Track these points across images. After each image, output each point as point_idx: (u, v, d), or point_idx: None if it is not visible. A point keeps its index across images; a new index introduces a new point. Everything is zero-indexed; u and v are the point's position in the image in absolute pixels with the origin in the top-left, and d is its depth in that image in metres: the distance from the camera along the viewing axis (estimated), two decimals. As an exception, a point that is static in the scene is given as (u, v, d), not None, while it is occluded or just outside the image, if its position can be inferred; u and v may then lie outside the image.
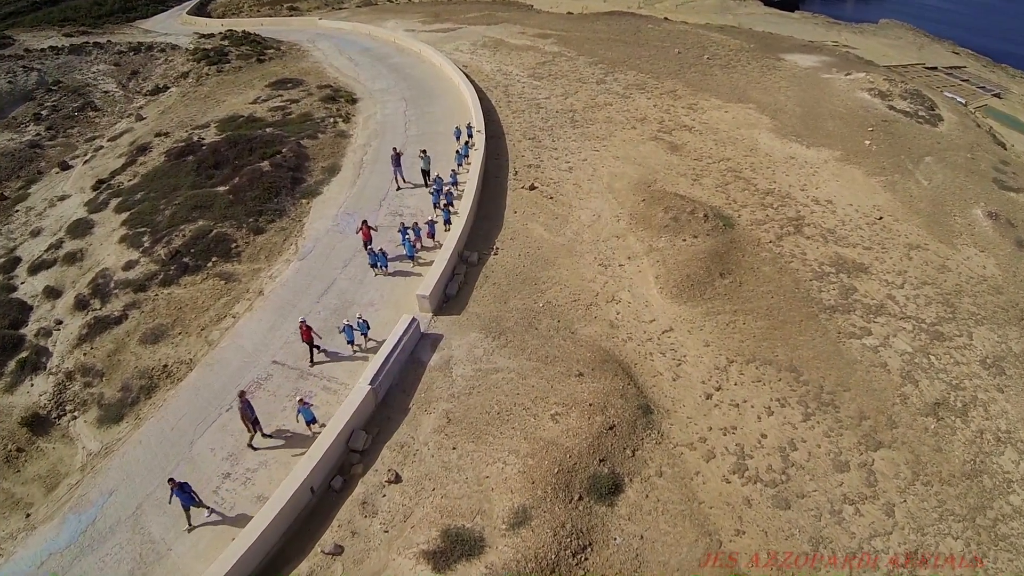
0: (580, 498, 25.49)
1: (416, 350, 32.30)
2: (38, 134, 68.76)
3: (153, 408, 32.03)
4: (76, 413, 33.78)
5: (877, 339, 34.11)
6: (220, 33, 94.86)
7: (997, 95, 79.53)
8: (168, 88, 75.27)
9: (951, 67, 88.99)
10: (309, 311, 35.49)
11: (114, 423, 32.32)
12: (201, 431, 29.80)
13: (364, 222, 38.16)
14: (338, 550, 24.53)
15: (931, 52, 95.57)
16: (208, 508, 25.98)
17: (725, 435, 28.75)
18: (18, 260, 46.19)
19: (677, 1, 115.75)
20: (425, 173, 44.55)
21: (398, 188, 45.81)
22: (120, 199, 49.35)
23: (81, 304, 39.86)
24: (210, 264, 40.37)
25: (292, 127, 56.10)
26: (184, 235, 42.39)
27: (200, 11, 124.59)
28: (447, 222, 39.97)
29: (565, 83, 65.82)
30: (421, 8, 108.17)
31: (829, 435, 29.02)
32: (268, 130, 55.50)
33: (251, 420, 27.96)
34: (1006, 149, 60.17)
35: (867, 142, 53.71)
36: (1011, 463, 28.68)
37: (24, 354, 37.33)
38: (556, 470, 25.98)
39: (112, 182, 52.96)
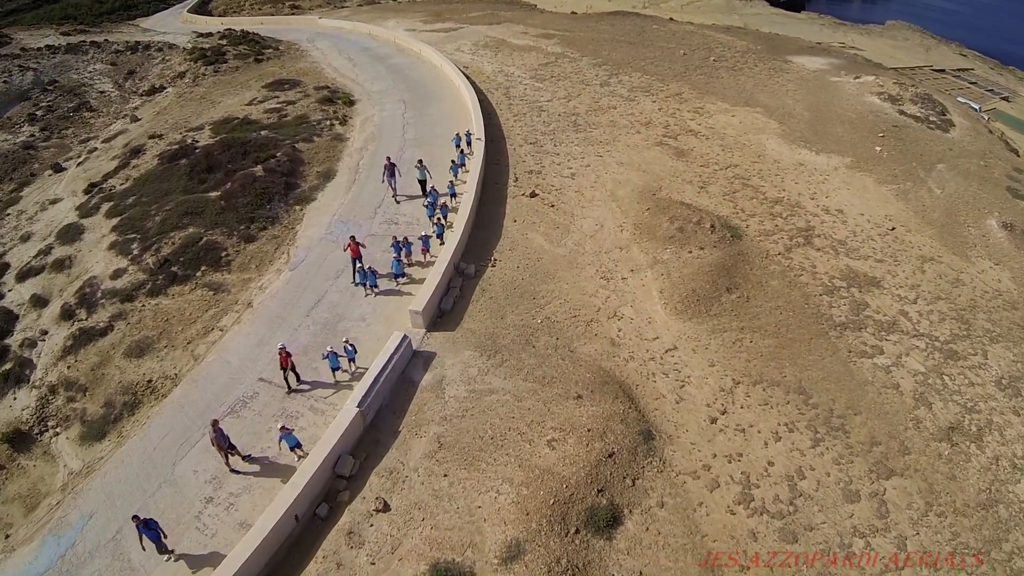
0: (577, 531, 24.22)
1: (408, 369, 30.99)
2: (32, 135, 67.61)
3: (136, 425, 30.91)
4: (58, 429, 32.69)
5: (889, 358, 32.73)
6: (219, 32, 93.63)
7: (1006, 98, 77.97)
8: (164, 88, 73.99)
9: (959, 69, 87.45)
10: (299, 325, 34.34)
11: (96, 440, 31.23)
12: (184, 452, 28.62)
13: (352, 238, 36.45)
14: (322, 584, 23.11)
15: (938, 54, 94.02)
16: (169, 552, 24.52)
17: (730, 462, 27.39)
18: (6, 266, 45.16)
19: (682, 1, 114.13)
20: (422, 183, 42.89)
21: (395, 199, 44.16)
22: (111, 203, 48.19)
23: (67, 314, 38.77)
24: (199, 274, 39.16)
25: (288, 130, 54.81)
26: (173, 243, 41.18)
27: (201, 9, 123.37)
28: (440, 236, 38.39)
29: (568, 85, 64.34)
30: (423, 7, 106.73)
31: (839, 462, 27.68)
32: (263, 133, 54.21)
33: (225, 448, 26.69)
34: (1019, 156, 58.50)
35: (878, 148, 52.27)
36: (1028, 492, 27.25)
37: (8, 366, 36.33)
38: (552, 501, 24.71)
39: (104, 185, 51.77)
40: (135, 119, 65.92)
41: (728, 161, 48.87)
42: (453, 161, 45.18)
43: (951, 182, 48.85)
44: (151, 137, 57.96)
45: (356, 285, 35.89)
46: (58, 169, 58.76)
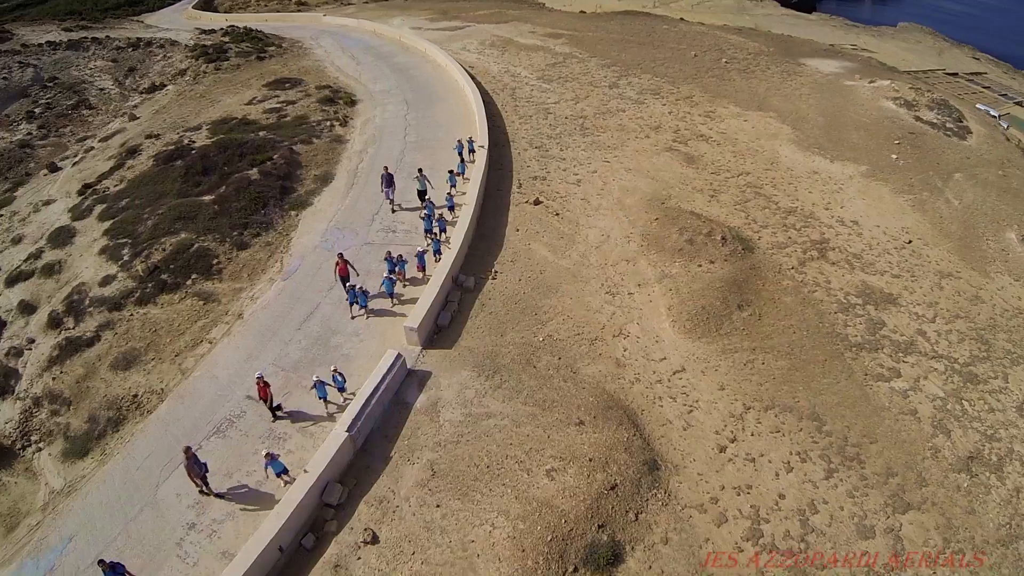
0: (575, 569, 22.85)
1: (401, 389, 29.52)
2: (29, 133, 66.41)
3: (120, 443, 29.71)
4: (41, 444, 31.60)
5: (907, 382, 31.26)
6: (221, 29, 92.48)
7: (1020, 103, 76.00)
8: (165, 86, 72.73)
9: (972, 73, 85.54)
10: (289, 339, 32.96)
11: (79, 458, 30.05)
12: (167, 473, 27.34)
13: (340, 256, 34.61)
14: (306, 622, 21.71)
15: (951, 57, 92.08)
16: None
17: (739, 495, 25.92)
18: None
19: (693, 1, 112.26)
20: (421, 194, 41.07)
21: (392, 210, 42.27)
22: (104, 206, 46.94)
23: (55, 322, 37.59)
24: (189, 282, 37.84)
25: (286, 131, 53.40)
26: (164, 249, 39.86)
27: (207, 5, 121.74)
28: (437, 252, 36.60)
29: (576, 87, 62.77)
30: (429, 5, 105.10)
31: (853, 495, 26.27)
32: (261, 134, 52.84)
33: (199, 476, 25.29)
34: (1039, 164, 56.78)
35: (894, 156, 50.63)
36: (1052, 528, 25.77)
37: (-7, 376, 34.78)
38: (549, 537, 23.28)
39: (98, 187, 50.50)
40: (133, 118, 64.63)
41: (740, 168, 47.27)
42: (451, 171, 42.64)
43: (969, 192, 47.23)
44: (148, 137, 56.65)
45: (351, 304, 34.10)
46: (54, 169, 57.48)
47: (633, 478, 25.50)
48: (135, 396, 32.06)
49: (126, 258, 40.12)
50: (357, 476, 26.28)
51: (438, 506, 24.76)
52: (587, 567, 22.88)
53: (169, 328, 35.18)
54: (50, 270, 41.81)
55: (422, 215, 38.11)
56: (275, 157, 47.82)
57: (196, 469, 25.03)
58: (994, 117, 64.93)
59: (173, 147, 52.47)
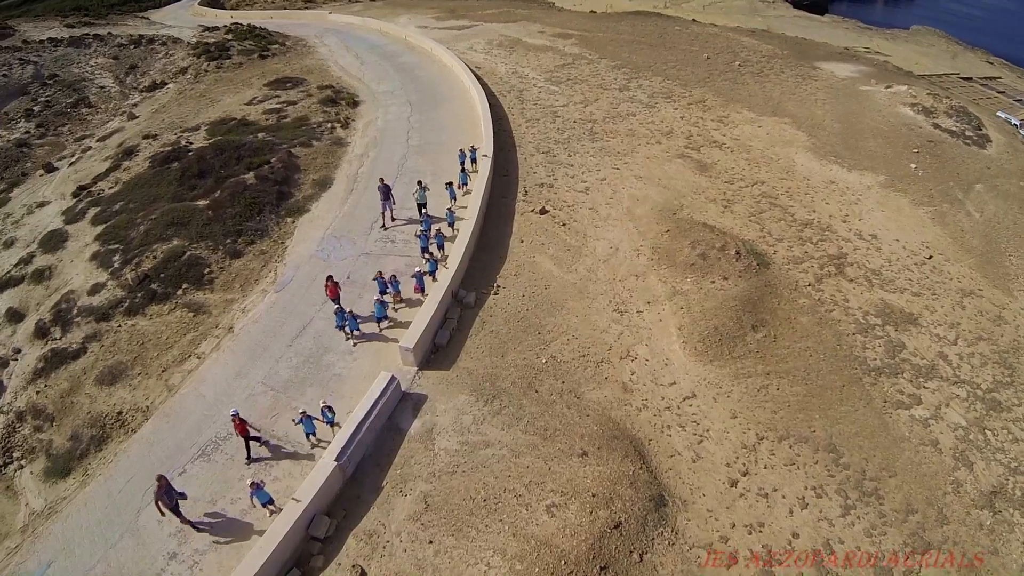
0: (576, 616, 21.14)
1: (395, 414, 27.93)
2: (27, 132, 65.11)
3: (102, 463, 28.35)
4: (23, 462, 30.35)
5: (927, 409, 29.66)
6: (225, 26, 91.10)
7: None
8: (166, 84, 71.40)
9: (986, 78, 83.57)
10: (280, 356, 31.48)
11: (60, 478, 28.76)
12: (150, 498, 25.38)
13: (329, 278, 32.56)
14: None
15: (965, 61, 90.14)
16: None
17: (750, 534, 24.31)
18: None
19: (704, 1, 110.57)
20: (421, 207, 38.89)
21: (383, 226, 40.09)
22: (98, 209, 45.70)
23: (41, 332, 36.38)
24: (180, 292, 36.44)
25: (286, 132, 51.90)
26: (155, 256, 38.49)
27: (213, 2, 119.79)
28: (433, 273, 34.19)
29: (585, 89, 61.11)
30: (437, 3, 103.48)
31: (871, 534, 24.71)
32: (260, 135, 51.36)
33: (170, 507, 23.78)
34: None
35: (912, 166, 48.90)
36: (1081, 571, 24.17)
37: (-23, 389, 33.56)
38: (548, 580, 21.59)
39: (93, 188, 49.27)
40: (133, 117, 63.33)
41: (754, 177, 45.54)
42: (450, 183, 40.35)
43: (990, 204, 45.48)
44: (145, 137, 55.33)
45: (339, 328, 32.29)
46: (50, 169, 56.27)
47: (638, 515, 23.90)
48: (119, 413, 30.74)
49: (116, 265, 38.85)
50: (346, 507, 24.80)
51: (431, 542, 23.23)
52: (588, 614, 21.31)
53: (157, 341, 33.80)
54: (40, 276, 40.63)
55: (418, 233, 36.07)
56: (273, 161, 46.36)
57: (167, 499, 23.55)
58: (1014, 125, 62.94)
59: (170, 148, 51.14)
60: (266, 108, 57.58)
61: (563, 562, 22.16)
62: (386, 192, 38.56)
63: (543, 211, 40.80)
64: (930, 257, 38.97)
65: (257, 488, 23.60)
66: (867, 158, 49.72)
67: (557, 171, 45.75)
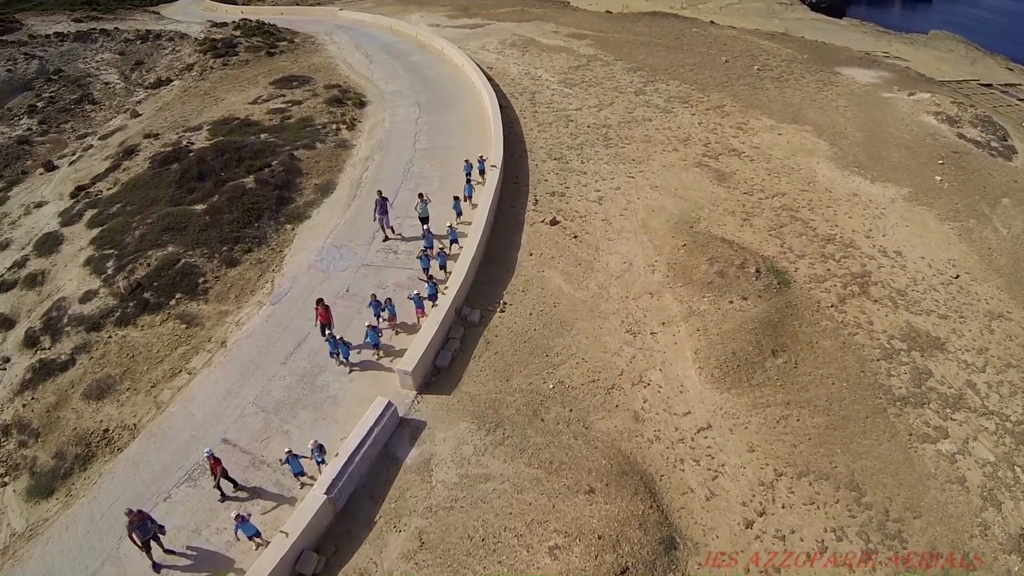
0: (579, 673, 19.50)
1: (391, 441, 26.28)
2: (29, 128, 64.02)
3: (86, 484, 26.98)
4: (7, 479, 29.03)
5: (954, 443, 27.83)
6: (233, 22, 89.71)
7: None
8: (171, 81, 70.07)
9: (1006, 84, 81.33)
10: (273, 374, 29.95)
11: (43, 498, 27.46)
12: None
13: (319, 301, 30.43)
14: None
15: (984, 67, 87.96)
16: None
17: (767, 581, 22.52)
18: None
19: (721, 3, 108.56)
20: (423, 221, 36.81)
21: (385, 239, 38.16)
22: (95, 211, 44.45)
23: (31, 341, 35.14)
24: (173, 302, 35.03)
25: (289, 133, 50.36)
26: (149, 264, 37.09)
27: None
28: (432, 298, 31.48)
29: (600, 92, 59.33)
30: (450, 1, 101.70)
31: (895, 582, 22.80)
32: (262, 136, 49.86)
33: (142, 543, 22.24)
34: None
35: (937, 178, 46.94)
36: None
37: (-36, 399, 32.39)
38: (549, 632, 19.97)
39: (92, 189, 48.01)
40: (136, 115, 62.00)
41: (775, 188, 43.65)
42: (456, 197, 38.25)
43: (1018, 220, 43.50)
44: (147, 136, 53.99)
45: (331, 356, 30.41)
46: (50, 168, 55.09)
47: (647, 559, 22.19)
48: (106, 431, 29.38)
49: (110, 272, 37.57)
50: (336, 543, 23.25)
51: (425, 585, 21.58)
52: (593, 671, 19.67)
53: (147, 354, 32.42)
54: (33, 281, 39.42)
55: (419, 254, 33.91)
56: (274, 164, 44.85)
57: (140, 534, 22.06)
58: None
59: (171, 148, 49.74)
60: (270, 108, 56.11)
61: (566, 612, 20.53)
62: (383, 205, 36.59)
63: (554, 222, 39.09)
64: (957, 276, 37.12)
65: (242, 520, 22.12)
66: (891, 169, 47.79)
67: (569, 179, 44.01)
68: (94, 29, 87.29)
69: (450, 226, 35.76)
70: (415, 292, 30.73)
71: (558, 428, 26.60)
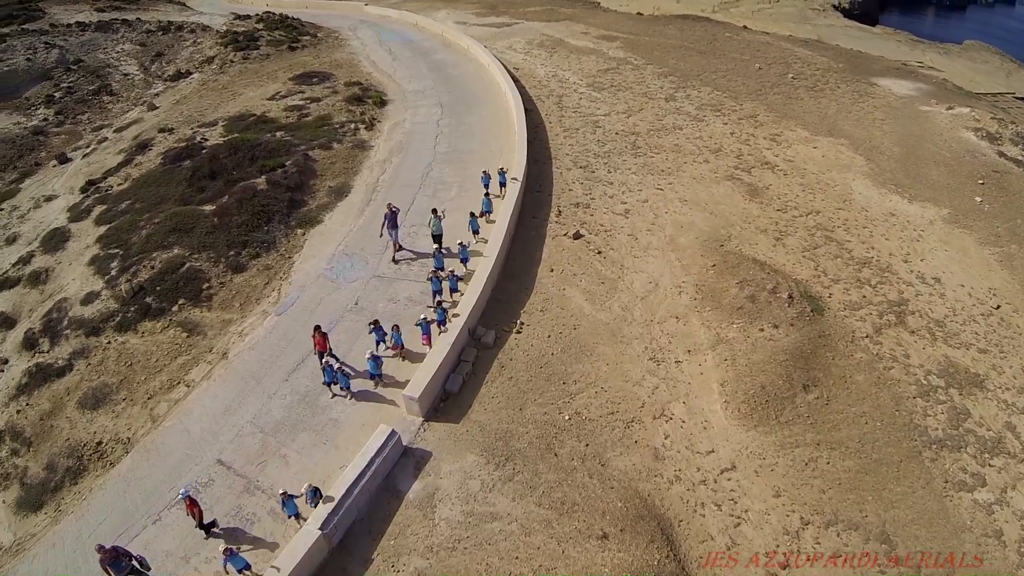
0: None
1: (394, 472, 24.63)
2: (46, 119, 63.10)
3: (76, 500, 25.98)
4: (-3, 489, 27.78)
5: (992, 492, 25.70)
6: (257, 15, 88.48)
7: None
8: (190, 74, 68.91)
9: (1043, 98, 78.66)
10: (274, 392, 28.50)
11: (32, 511, 26.59)
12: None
13: (317, 328, 28.33)
14: None
15: (1020, 79, 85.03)
16: None
17: (791, 646, 20.71)
18: None
19: (753, 7, 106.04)
20: (436, 238, 34.57)
21: (394, 259, 35.78)
22: (104, 207, 43.41)
23: (30, 343, 34.15)
24: (175, 308, 33.74)
25: (305, 132, 48.87)
26: (153, 266, 35.82)
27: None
28: (441, 323, 29.25)
29: (629, 97, 57.40)
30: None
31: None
32: (278, 134, 48.43)
33: None
34: None
35: (978, 199, 44.63)
36: None
37: (-40, 401, 31.47)
38: None
39: (102, 184, 46.92)
40: (153, 107, 60.92)
41: (809, 206, 41.56)
42: (473, 214, 35.91)
43: (1062, 246, 41.18)
44: (161, 131, 52.72)
45: (326, 384, 28.40)
46: (63, 160, 54.10)
47: (663, 617, 20.44)
48: (99, 444, 28.28)
49: (113, 273, 36.45)
50: (329, 582, 21.58)
51: (421, 634, 19.96)
52: None
53: (146, 363, 31.17)
54: (36, 279, 38.49)
55: (429, 275, 31.57)
56: (288, 164, 43.36)
57: (112, 571, 20.82)
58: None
59: (184, 144, 48.44)
60: (288, 104, 54.70)
61: (573, 674, 18.82)
62: (392, 219, 34.57)
63: (577, 236, 37.30)
64: (998, 307, 34.96)
65: (231, 554, 20.76)
66: (929, 188, 45.54)
67: (595, 189, 42.22)
68: (116, 19, 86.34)
69: (461, 244, 33.53)
70: (423, 317, 28.65)
71: (572, 464, 24.84)
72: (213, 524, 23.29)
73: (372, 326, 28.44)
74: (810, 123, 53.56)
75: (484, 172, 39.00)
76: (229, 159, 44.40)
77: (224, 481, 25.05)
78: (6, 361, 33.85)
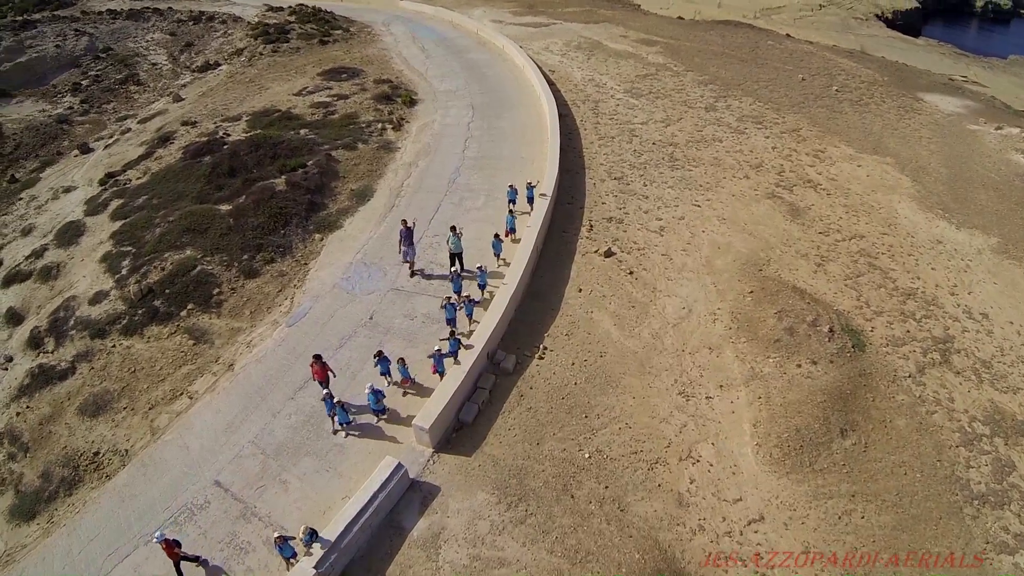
0: None
1: (398, 506, 22.99)
2: (71, 107, 62.45)
3: (69, 512, 24.96)
4: (-8, 494, 26.85)
5: (1034, 554, 23.62)
6: (290, 7, 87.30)
7: None
8: (219, 66, 67.98)
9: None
10: (279, 410, 27.05)
11: (25, 521, 25.61)
12: (111, 565, 22.28)
13: (317, 358, 26.08)
14: None
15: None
16: None
17: None
18: None
19: (795, 14, 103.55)
20: (455, 257, 32.60)
21: (412, 274, 33.74)
22: (121, 202, 42.57)
23: (35, 341, 33.17)
24: (184, 313, 32.53)
25: (330, 131, 47.48)
26: (164, 268, 34.66)
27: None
28: (454, 354, 27.09)
29: (668, 105, 55.46)
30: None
31: None
32: (301, 133, 47.10)
33: None
34: None
35: (1029, 227, 42.34)
36: None
37: (-39, 397, 30.67)
38: None
39: (121, 177, 46.10)
40: (178, 99, 59.98)
41: (853, 229, 39.40)
42: (497, 235, 33.45)
43: (1119, 284, 38.77)
44: (184, 124, 51.75)
45: (330, 416, 26.18)
46: (85, 150, 53.35)
47: None
48: (96, 454, 27.18)
49: (124, 272, 35.42)
50: (322, 626, 20.08)
51: None
52: None
53: (150, 371, 30.00)
54: (47, 274, 37.70)
55: (443, 303, 28.86)
56: (309, 164, 41.98)
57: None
58: None
59: (206, 139, 47.43)
60: (315, 101, 53.42)
61: None
62: (408, 237, 32.54)
63: (609, 253, 35.45)
64: (1050, 347, 32.81)
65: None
66: (977, 214, 43.25)
67: (629, 203, 40.35)
68: (148, 8, 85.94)
69: (480, 268, 31.04)
70: (436, 348, 26.50)
71: (590, 508, 23.06)
72: (200, 560, 21.73)
73: (376, 357, 26.45)
74: (854, 139, 51.41)
75: (511, 186, 36.95)
76: (249, 156, 43.13)
77: (220, 504, 23.67)
78: (11, 359, 32.97)
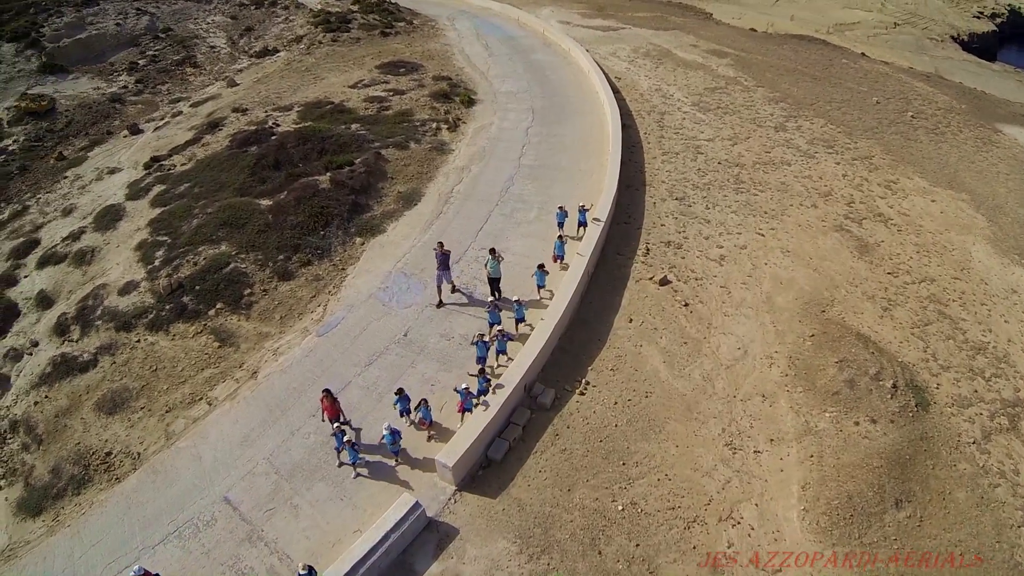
0: None
1: (412, 547, 21.31)
2: (125, 86, 61.97)
3: (75, 512, 24.22)
4: (2, 484, 26.80)
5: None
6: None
7: None
8: (277, 52, 67.23)
9: None
10: (298, 427, 25.67)
11: (31, 516, 25.02)
12: (111, 574, 21.36)
13: (327, 393, 24.15)
14: None
15: None
16: None
17: None
18: (36, 243, 39.94)
19: (869, 31, 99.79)
20: (493, 282, 30.23)
21: (439, 303, 31.12)
22: (163, 188, 41.97)
23: (61, 328, 32.43)
24: (212, 312, 31.47)
25: (382, 127, 46.04)
26: (196, 262, 33.70)
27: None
28: (482, 393, 24.80)
29: (736, 122, 52.94)
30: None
31: None
32: (353, 127, 45.80)
33: None
34: None
35: (1113, 282, 39.20)
36: None
37: (-17, 379, 30.28)
38: None
39: (166, 162, 45.42)
40: (233, 84, 59.27)
41: (923, 272, 36.60)
42: (541, 267, 30.27)
43: None
44: (235, 110, 50.86)
45: (338, 451, 24.25)
46: (135, 131, 52.75)
47: None
48: (108, 454, 26.34)
49: (157, 263, 34.57)
50: None
51: None
52: None
53: (171, 371, 29.06)
54: (82, 258, 37.06)
55: (474, 340, 26.62)
56: (356, 162, 40.58)
57: None
58: None
59: (254, 128, 46.43)
60: (369, 95, 52.09)
61: None
62: (444, 260, 29.97)
63: (664, 282, 33.19)
64: None
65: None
66: (1058, 261, 40.27)
67: (690, 227, 38.02)
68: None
69: (518, 301, 28.45)
70: (464, 385, 24.36)
71: (617, 568, 21.04)
72: None
73: (397, 395, 24.70)
74: (929, 171, 48.47)
75: (560, 208, 34.46)
76: (296, 150, 41.92)
77: (227, 524, 22.45)
78: (36, 344, 32.35)
